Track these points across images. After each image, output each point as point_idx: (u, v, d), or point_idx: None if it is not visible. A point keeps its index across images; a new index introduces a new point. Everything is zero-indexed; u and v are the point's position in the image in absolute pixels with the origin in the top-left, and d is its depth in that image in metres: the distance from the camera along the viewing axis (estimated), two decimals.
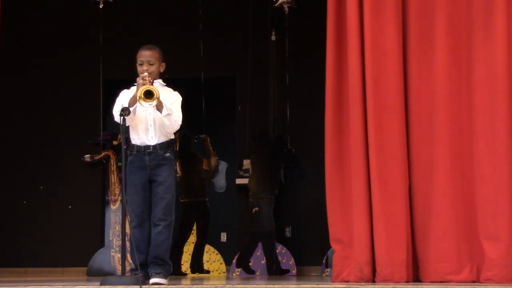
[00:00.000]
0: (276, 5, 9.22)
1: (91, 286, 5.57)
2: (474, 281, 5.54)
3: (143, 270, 5.62)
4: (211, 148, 9.95)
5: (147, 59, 5.84)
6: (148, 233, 5.76)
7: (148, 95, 5.61)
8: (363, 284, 5.44)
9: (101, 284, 5.36)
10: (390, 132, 5.68)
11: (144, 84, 5.63)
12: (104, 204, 10.28)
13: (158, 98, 5.61)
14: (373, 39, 5.73)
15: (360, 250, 5.65)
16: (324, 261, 9.29)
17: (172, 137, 5.92)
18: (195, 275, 9.79)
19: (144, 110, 5.74)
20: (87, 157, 10.07)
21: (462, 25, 5.74)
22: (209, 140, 9.92)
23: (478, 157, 5.59)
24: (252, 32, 10.12)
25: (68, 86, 10.54)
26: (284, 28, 9.82)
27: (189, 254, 9.93)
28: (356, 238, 5.69)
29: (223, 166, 10.34)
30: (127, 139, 5.87)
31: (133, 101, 5.69)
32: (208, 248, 10.03)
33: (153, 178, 5.79)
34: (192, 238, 9.90)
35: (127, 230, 5.73)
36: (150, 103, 5.62)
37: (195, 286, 6.17)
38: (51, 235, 10.32)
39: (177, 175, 9.43)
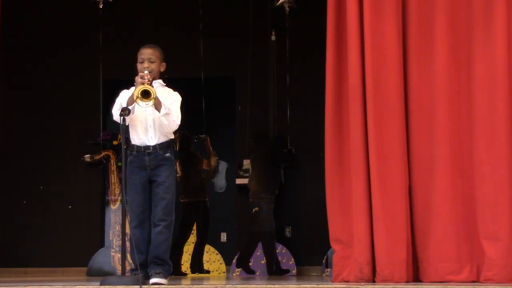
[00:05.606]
0: (277, 4, 9.22)
1: (91, 286, 5.57)
2: (474, 281, 5.54)
3: (143, 270, 5.62)
4: (211, 148, 9.94)
5: (148, 56, 5.83)
6: (148, 233, 5.76)
7: (145, 94, 5.60)
8: (363, 284, 5.44)
9: (101, 284, 5.36)
10: (390, 132, 5.68)
11: (142, 84, 5.63)
12: (104, 204, 10.28)
13: (155, 98, 5.60)
14: (373, 39, 5.73)
15: (360, 250, 5.64)
16: (324, 261, 9.29)
17: (172, 137, 5.92)
18: (195, 275, 9.78)
19: (144, 111, 5.73)
20: (87, 157, 10.08)
21: (462, 25, 5.74)
22: (209, 140, 9.92)
23: (478, 157, 5.59)
24: (252, 32, 10.11)
25: (68, 86, 10.53)
26: (284, 28, 9.81)
27: (189, 254, 9.92)
28: (356, 238, 5.69)
29: (223, 166, 10.34)
30: (127, 139, 5.86)
31: (131, 101, 5.69)
32: (208, 248, 10.02)
33: (153, 178, 5.79)
34: (192, 238, 9.89)
35: (127, 230, 5.73)
36: (147, 102, 5.61)
37: (195, 286, 6.17)
38: (51, 235, 10.32)
39: (177, 175, 9.42)
